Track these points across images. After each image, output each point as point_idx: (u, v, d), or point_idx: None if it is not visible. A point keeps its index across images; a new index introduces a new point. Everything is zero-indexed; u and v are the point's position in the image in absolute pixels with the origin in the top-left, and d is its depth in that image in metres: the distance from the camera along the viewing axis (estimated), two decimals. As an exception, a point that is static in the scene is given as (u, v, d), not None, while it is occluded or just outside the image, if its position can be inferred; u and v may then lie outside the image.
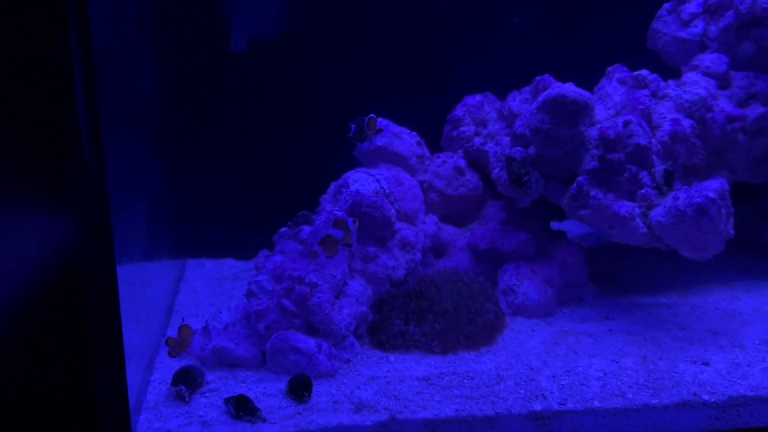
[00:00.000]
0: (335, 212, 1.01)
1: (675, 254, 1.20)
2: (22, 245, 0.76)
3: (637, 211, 1.02)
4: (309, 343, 0.90)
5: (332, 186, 1.13)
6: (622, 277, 1.22)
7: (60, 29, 0.73)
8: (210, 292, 1.23)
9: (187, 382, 0.86)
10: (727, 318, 1.10)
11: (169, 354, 0.90)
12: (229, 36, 1.29)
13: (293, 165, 1.41)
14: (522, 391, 0.90)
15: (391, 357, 0.99)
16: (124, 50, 1.00)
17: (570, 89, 1.06)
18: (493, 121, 1.22)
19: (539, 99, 1.07)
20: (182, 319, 0.96)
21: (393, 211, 1.04)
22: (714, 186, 0.99)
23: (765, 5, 1.09)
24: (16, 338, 0.76)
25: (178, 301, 1.19)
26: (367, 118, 1.13)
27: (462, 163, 1.19)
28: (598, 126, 1.06)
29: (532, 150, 1.10)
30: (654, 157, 1.05)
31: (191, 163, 1.40)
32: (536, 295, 1.08)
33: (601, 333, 1.06)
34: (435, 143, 1.31)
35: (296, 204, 1.24)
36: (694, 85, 1.11)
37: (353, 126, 1.12)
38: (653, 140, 1.06)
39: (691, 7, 1.19)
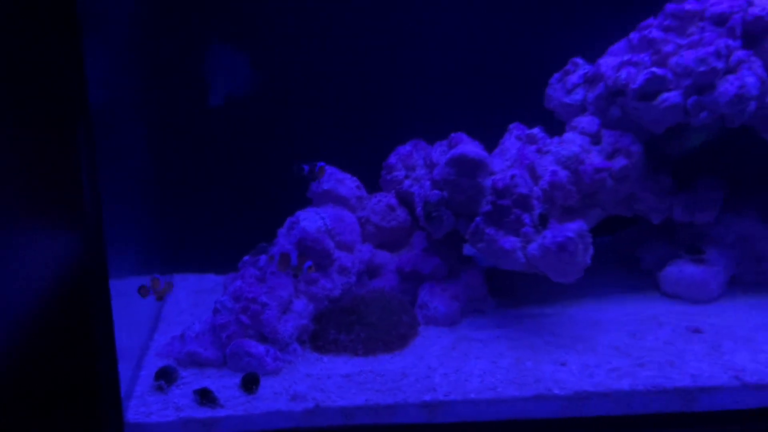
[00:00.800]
0: (286, 246, 1.27)
1: None
2: (36, 261, 1.01)
3: (518, 245, 1.27)
4: (259, 348, 1.16)
5: (288, 221, 1.38)
6: (519, 291, 1.47)
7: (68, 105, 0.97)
8: (191, 303, 1.49)
9: (165, 377, 1.13)
10: (590, 326, 1.35)
11: (141, 294, 1.14)
12: (208, 92, 1.55)
13: (270, 192, 1.67)
14: (419, 386, 1.16)
15: (325, 359, 1.25)
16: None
17: (470, 149, 1.31)
18: (419, 167, 1.48)
19: (447, 156, 1.32)
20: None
21: (332, 244, 1.30)
22: (573, 227, 1.24)
23: (624, 81, 1.34)
24: (33, 337, 1.00)
25: (164, 311, 1.45)
26: (317, 166, 1.39)
27: (393, 201, 1.45)
28: (492, 178, 1.31)
29: (445, 193, 1.36)
30: (534, 201, 1.30)
31: (178, 191, 1.66)
32: (444, 308, 1.34)
33: (490, 339, 1.31)
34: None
35: (273, 224, 1.52)
36: (570, 143, 1.36)
37: (306, 167, 1.39)
38: (535, 188, 1.32)
39: (573, 78, 1.44)
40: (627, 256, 1.60)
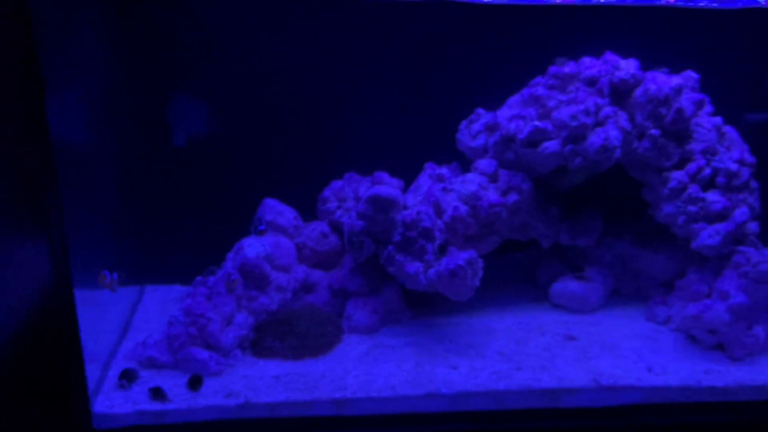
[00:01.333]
0: (229, 269, 1.51)
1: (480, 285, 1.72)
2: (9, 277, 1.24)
3: (421, 270, 1.51)
4: (204, 355, 1.41)
5: (235, 246, 1.63)
6: (433, 303, 1.71)
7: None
8: (158, 312, 1.73)
9: (126, 377, 1.38)
10: (485, 334, 1.60)
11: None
12: (172, 134, 1.79)
13: (228, 214, 1.91)
14: (333, 385, 1.42)
15: (261, 363, 1.49)
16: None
17: (384, 190, 1.55)
18: (350, 199, 1.72)
19: (365, 195, 1.56)
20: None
21: (269, 267, 1.55)
22: (464, 256, 1.48)
23: (513, 132, 1.57)
24: (9, 343, 1.24)
25: (134, 318, 1.70)
26: (257, 219, 1.67)
27: (326, 229, 1.70)
28: (402, 213, 1.55)
29: (366, 224, 1.60)
30: (437, 233, 1.55)
31: (150, 211, 1.89)
32: (364, 320, 1.59)
33: (400, 345, 1.56)
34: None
35: (234, 240, 1.76)
36: (470, 183, 1.60)
37: (261, 227, 1.65)
38: (438, 222, 1.56)
39: (476, 126, 1.68)
40: (529, 272, 1.86)
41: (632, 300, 1.76)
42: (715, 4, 1.66)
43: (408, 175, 1.80)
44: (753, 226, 1.65)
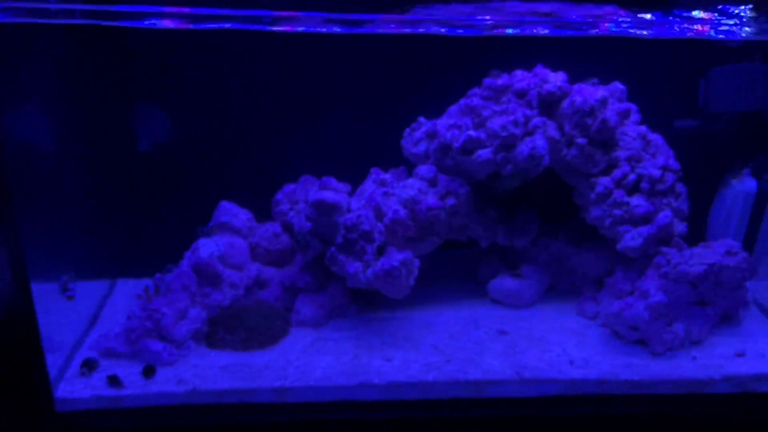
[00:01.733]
0: (184, 268, 1.63)
1: (424, 282, 1.83)
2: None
3: (360, 269, 1.62)
4: (158, 346, 1.54)
5: (192, 246, 1.74)
6: (381, 299, 1.80)
7: None
8: (126, 305, 1.84)
9: (87, 366, 1.52)
10: (422, 328, 1.71)
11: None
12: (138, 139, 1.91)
13: (197, 211, 2.03)
14: (274, 374, 1.54)
15: (212, 353, 1.62)
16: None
17: (327, 195, 1.66)
18: (302, 201, 1.82)
19: (311, 199, 1.67)
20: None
21: (221, 266, 1.67)
22: (399, 257, 1.59)
23: (449, 140, 1.67)
24: None
25: (103, 311, 1.83)
26: (209, 227, 1.79)
27: (278, 229, 1.81)
28: (346, 216, 1.66)
29: (312, 226, 1.71)
30: (377, 235, 1.65)
31: (119, 210, 2.02)
32: (311, 314, 1.71)
33: (343, 339, 1.68)
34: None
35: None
36: (410, 188, 1.70)
37: (206, 229, 1.77)
38: (379, 225, 1.66)
39: (418, 134, 1.78)
40: (473, 269, 1.96)
41: (567, 296, 1.86)
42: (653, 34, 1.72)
43: (361, 179, 1.92)
44: (680, 228, 1.75)
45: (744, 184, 1.83)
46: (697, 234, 1.95)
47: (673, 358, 1.66)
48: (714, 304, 1.70)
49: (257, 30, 1.55)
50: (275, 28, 1.53)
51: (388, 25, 1.42)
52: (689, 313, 1.67)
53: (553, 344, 1.69)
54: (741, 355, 1.69)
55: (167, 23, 1.43)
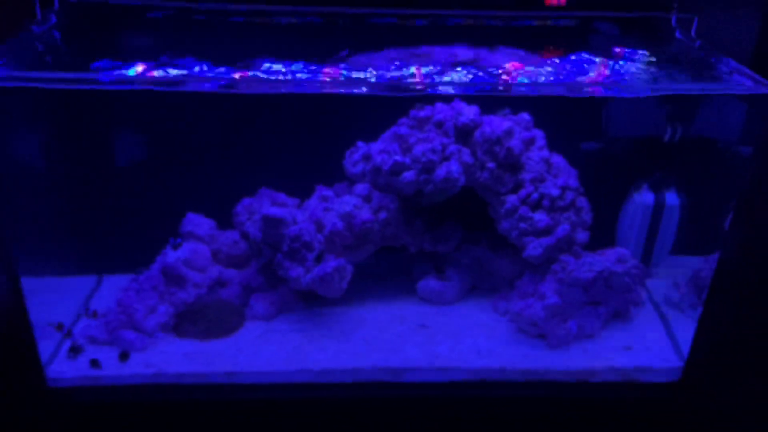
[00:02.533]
0: (154, 271, 1.92)
1: (364, 282, 2.09)
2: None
3: (302, 274, 1.89)
4: (131, 335, 1.84)
5: (163, 251, 2.02)
6: (326, 297, 2.09)
7: None
8: (111, 298, 2.09)
9: (74, 351, 1.82)
10: (356, 323, 1.97)
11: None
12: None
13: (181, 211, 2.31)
14: (227, 360, 1.83)
15: (178, 342, 1.91)
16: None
17: (273, 211, 1.92)
18: (257, 212, 2.08)
19: (260, 213, 1.93)
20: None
21: (185, 269, 1.95)
22: (333, 264, 1.85)
23: (379, 164, 1.92)
24: None
25: (90, 303, 2.12)
26: (178, 242, 2.06)
27: (237, 237, 2.09)
28: (290, 228, 1.92)
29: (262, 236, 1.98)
30: (317, 244, 1.92)
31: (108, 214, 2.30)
32: (262, 310, 1.99)
33: (287, 331, 1.95)
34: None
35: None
36: (347, 204, 1.96)
37: (178, 241, 2.05)
38: (318, 236, 1.93)
39: (356, 156, 2.03)
40: (408, 270, 2.22)
41: (487, 295, 2.12)
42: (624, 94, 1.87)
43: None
44: (581, 237, 1.99)
45: (643, 198, 2.06)
46: (608, 239, 2.21)
47: (567, 350, 1.93)
48: (606, 304, 1.96)
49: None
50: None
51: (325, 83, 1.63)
52: (582, 312, 1.93)
53: (466, 337, 1.96)
54: (628, 348, 1.95)
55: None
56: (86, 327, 1.95)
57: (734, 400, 1.88)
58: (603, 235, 2.13)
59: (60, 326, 1.93)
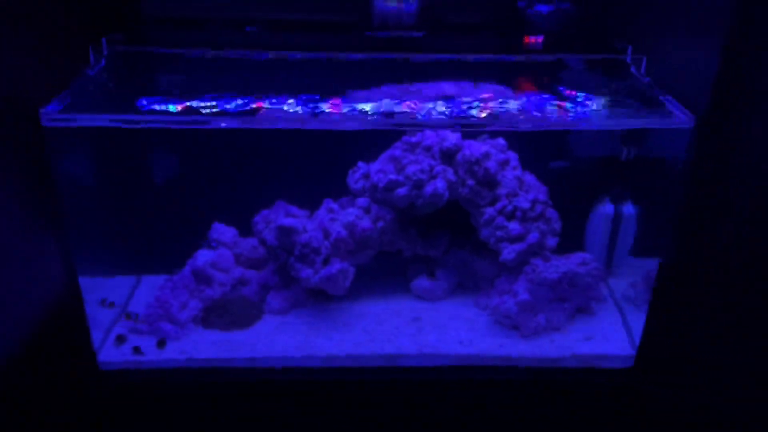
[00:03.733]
0: (186, 272, 2.22)
1: (365, 282, 2.37)
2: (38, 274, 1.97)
3: (311, 274, 2.18)
4: (168, 326, 2.14)
5: (194, 254, 2.32)
6: (331, 294, 2.38)
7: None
8: (149, 296, 2.41)
9: (119, 340, 2.12)
10: (358, 316, 2.23)
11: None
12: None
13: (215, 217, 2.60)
14: (248, 348, 2.11)
15: (206, 332, 2.20)
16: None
17: (286, 221, 2.21)
18: (273, 223, 2.37)
19: (276, 223, 2.22)
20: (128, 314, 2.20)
21: (212, 270, 2.25)
22: (337, 266, 2.14)
23: (376, 181, 2.20)
24: (38, 320, 1.98)
25: (131, 301, 2.39)
26: (209, 239, 2.34)
27: (256, 242, 2.38)
28: (302, 235, 2.21)
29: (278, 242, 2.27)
30: (324, 249, 2.20)
31: (148, 221, 2.60)
32: (277, 305, 2.27)
33: (299, 323, 2.23)
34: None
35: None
36: (350, 214, 2.24)
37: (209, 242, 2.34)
38: (325, 242, 2.21)
39: (357, 174, 2.31)
40: (404, 271, 2.50)
41: (471, 293, 2.40)
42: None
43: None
44: (551, 242, 2.27)
45: (605, 209, 2.34)
46: (578, 245, 2.48)
47: (537, 340, 2.20)
48: (570, 300, 2.23)
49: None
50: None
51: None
52: (550, 307, 2.21)
53: (451, 329, 2.24)
54: (590, 338, 2.22)
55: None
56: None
57: (679, 382, 2.15)
58: (573, 242, 2.42)
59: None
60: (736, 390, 1.99)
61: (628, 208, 2.34)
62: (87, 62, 2.10)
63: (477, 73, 2.24)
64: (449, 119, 1.94)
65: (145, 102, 1.95)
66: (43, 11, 1.94)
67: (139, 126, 1.79)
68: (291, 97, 2.02)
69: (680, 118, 1.89)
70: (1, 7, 1.72)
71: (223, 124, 1.85)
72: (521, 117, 1.95)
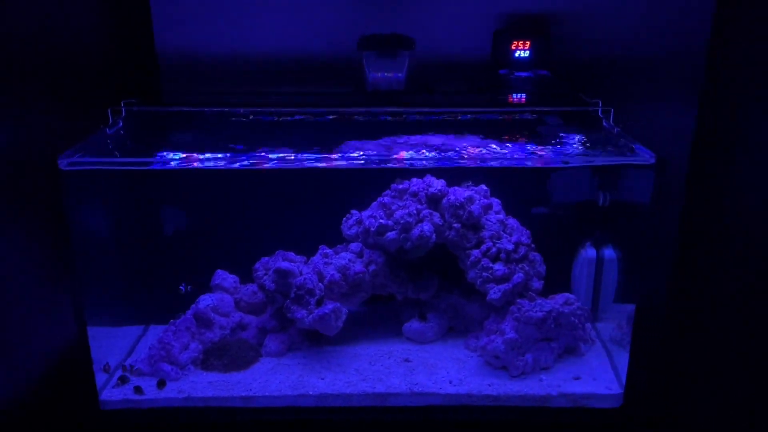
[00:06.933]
0: (188, 315, 2.24)
1: (359, 326, 2.37)
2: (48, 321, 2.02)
3: (305, 315, 2.19)
4: (167, 367, 2.14)
5: (197, 299, 2.35)
6: (325, 337, 2.36)
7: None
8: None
9: (121, 380, 2.13)
10: (352, 357, 2.22)
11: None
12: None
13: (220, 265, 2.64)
14: (243, 387, 2.11)
15: (205, 374, 2.20)
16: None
17: (284, 265, 2.25)
18: (271, 269, 2.41)
19: (273, 267, 2.25)
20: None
21: (212, 314, 2.27)
22: (330, 307, 2.16)
23: (368, 226, 2.25)
24: (48, 362, 2.00)
25: (137, 346, 2.42)
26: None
27: (255, 288, 2.41)
28: (297, 278, 2.24)
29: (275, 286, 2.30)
30: (318, 291, 2.22)
31: (152, 273, 2.65)
32: (274, 348, 2.28)
33: (294, 364, 2.22)
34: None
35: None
36: (343, 258, 2.29)
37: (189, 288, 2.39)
38: (319, 284, 2.24)
39: (350, 221, 2.38)
40: (397, 314, 2.49)
41: (461, 334, 2.39)
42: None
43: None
44: (536, 284, 2.26)
45: (587, 253, 2.35)
46: (565, 289, 2.46)
47: (525, 379, 2.16)
48: (557, 339, 2.20)
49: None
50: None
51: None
52: (537, 347, 2.18)
53: (441, 369, 2.21)
54: (577, 378, 2.17)
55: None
56: (133, 361, 2.27)
57: (667, 422, 2.08)
58: (560, 286, 2.41)
59: (107, 368, 2.23)
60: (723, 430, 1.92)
61: (609, 253, 2.35)
62: (106, 123, 2.23)
63: (461, 130, 2.34)
64: (436, 158, 2.00)
65: (165, 154, 2.05)
66: (63, 78, 2.08)
67: (162, 167, 1.91)
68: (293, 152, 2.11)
69: (643, 156, 1.95)
70: (24, 71, 1.86)
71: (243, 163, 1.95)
72: (506, 153, 2.02)
